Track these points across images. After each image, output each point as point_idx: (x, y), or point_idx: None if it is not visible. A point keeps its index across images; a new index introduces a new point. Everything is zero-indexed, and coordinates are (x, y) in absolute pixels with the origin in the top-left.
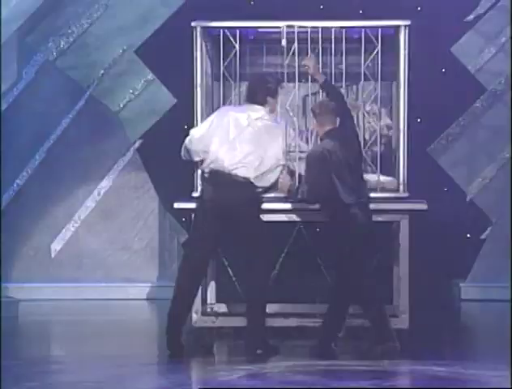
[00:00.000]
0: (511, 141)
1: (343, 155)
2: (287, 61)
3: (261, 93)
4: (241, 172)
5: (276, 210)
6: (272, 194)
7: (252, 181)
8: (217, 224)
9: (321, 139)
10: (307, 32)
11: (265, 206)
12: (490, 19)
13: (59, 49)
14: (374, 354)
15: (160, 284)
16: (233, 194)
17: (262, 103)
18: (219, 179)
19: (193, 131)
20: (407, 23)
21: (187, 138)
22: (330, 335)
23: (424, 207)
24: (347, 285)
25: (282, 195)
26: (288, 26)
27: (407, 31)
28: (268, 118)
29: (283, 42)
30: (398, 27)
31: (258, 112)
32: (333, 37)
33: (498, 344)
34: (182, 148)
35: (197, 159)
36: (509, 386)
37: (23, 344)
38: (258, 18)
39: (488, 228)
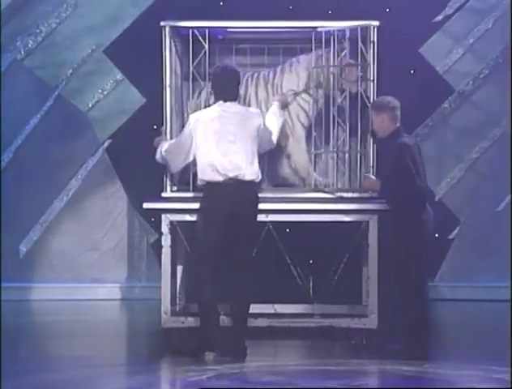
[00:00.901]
0: (511, 140)
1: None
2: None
3: (234, 88)
4: (246, 174)
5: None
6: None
7: (256, 181)
8: (225, 231)
9: (389, 138)
10: (276, 32)
11: None
12: (458, 19)
13: (27, 48)
14: (344, 354)
15: (129, 285)
16: (241, 198)
17: (235, 98)
18: (223, 187)
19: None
20: (376, 23)
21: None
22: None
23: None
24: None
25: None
26: (258, 26)
27: (375, 31)
28: (245, 110)
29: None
30: (366, 27)
31: (234, 108)
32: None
33: (467, 343)
34: (158, 155)
35: (176, 170)
36: (510, 387)
37: None
38: (228, 18)
39: (457, 228)
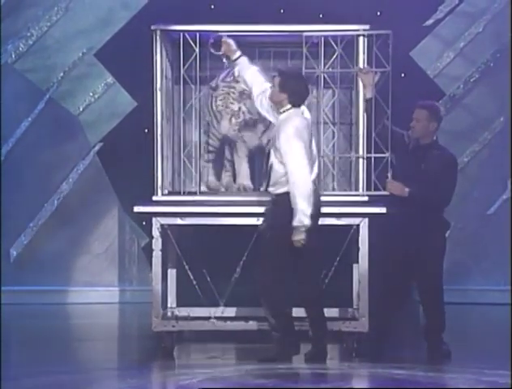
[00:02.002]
0: (511, 140)
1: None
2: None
3: (307, 94)
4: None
5: (239, 213)
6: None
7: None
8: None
9: (429, 145)
10: (267, 35)
11: (230, 210)
12: (449, 23)
13: (18, 51)
14: (335, 357)
15: (120, 288)
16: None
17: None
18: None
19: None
20: (366, 27)
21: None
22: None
23: (383, 210)
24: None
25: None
26: (249, 30)
27: (366, 36)
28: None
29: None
30: (357, 31)
31: (307, 114)
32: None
33: (459, 346)
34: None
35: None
36: (510, 387)
37: None
38: (218, 22)
39: (447, 231)
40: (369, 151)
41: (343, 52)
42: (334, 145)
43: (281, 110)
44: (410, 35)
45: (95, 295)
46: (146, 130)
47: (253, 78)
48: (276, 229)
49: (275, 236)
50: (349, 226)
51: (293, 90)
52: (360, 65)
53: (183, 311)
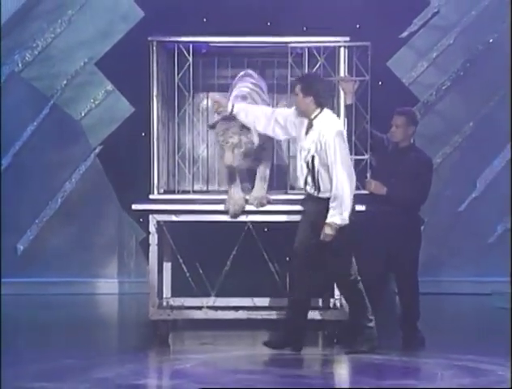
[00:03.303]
0: (511, 141)
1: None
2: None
3: (330, 92)
4: None
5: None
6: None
7: None
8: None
9: (406, 148)
10: (255, 46)
11: (221, 207)
12: (422, 36)
13: (25, 61)
14: (317, 344)
15: (119, 280)
16: None
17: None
18: None
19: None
20: (347, 39)
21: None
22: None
23: (361, 208)
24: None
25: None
26: (238, 41)
27: (346, 47)
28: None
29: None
30: (338, 43)
31: None
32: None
33: (431, 333)
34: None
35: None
36: (510, 387)
37: None
38: (211, 33)
39: (421, 227)
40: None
41: (326, 62)
42: None
43: (312, 116)
44: (387, 46)
45: (96, 286)
46: (143, 134)
47: (253, 117)
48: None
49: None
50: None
51: (317, 91)
52: (341, 74)
53: (177, 301)
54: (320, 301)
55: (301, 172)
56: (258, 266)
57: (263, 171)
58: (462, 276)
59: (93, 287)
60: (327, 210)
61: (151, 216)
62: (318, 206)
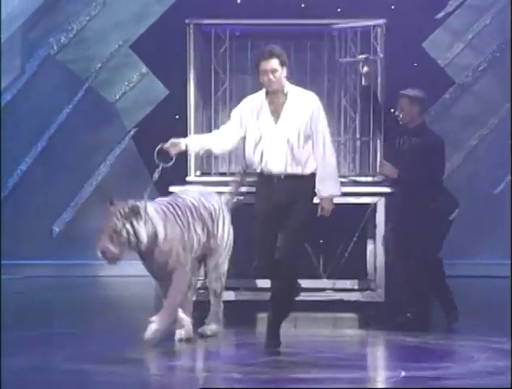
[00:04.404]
0: (511, 140)
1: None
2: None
3: None
4: None
5: None
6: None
7: None
8: None
9: (412, 130)
10: (289, 28)
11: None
12: (458, 16)
13: (60, 44)
14: (353, 326)
15: None
16: None
17: None
18: None
19: None
20: (383, 21)
21: None
22: None
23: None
24: None
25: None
26: (272, 23)
27: (382, 28)
28: None
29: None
30: (374, 25)
31: None
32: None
33: (467, 315)
34: None
35: None
36: (510, 387)
37: (27, 317)
38: (244, 16)
39: (456, 210)
40: (366, 135)
41: (360, 44)
42: (354, 129)
43: (285, 90)
44: (422, 27)
45: (130, 268)
46: (177, 116)
47: (208, 144)
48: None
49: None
50: (366, 205)
51: (287, 63)
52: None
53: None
54: (356, 282)
55: (277, 151)
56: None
57: (170, 296)
58: (498, 259)
59: (128, 269)
60: (310, 186)
61: None
62: (299, 184)
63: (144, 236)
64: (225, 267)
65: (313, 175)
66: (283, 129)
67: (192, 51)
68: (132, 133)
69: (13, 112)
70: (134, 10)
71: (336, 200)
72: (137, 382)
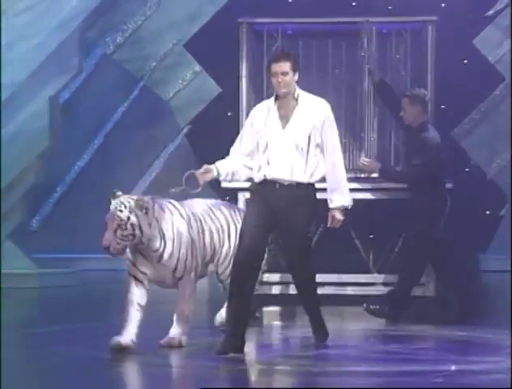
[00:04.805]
0: (511, 141)
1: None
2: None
3: None
4: None
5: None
6: None
7: None
8: None
9: (416, 128)
10: (340, 26)
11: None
12: (508, 14)
13: (116, 43)
14: (402, 320)
15: None
16: None
17: None
18: None
19: None
20: (434, 18)
21: None
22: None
23: (448, 185)
24: None
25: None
26: (324, 22)
27: (433, 26)
28: None
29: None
30: (425, 22)
31: None
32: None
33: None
34: None
35: None
36: (510, 387)
37: (83, 308)
38: (295, 15)
39: (506, 206)
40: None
41: (410, 41)
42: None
43: (295, 95)
44: (473, 24)
45: None
46: (229, 114)
47: (236, 168)
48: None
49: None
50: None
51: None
52: (429, 52)
53: (263, 277)
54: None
55: (284, 157)
56: (343, 242)
57: (180, 307)
58: None
59: None
60: (311, 195)
61: (240, 194)
62: (300, 192)
63: (148, 229)
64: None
65: (313, 184)
66: (292, 134)
67: (244, 49)
68: (185, 130)
69: (71, 110)
70: (187, 10)
71: (385, 196)
72: (192, 373)
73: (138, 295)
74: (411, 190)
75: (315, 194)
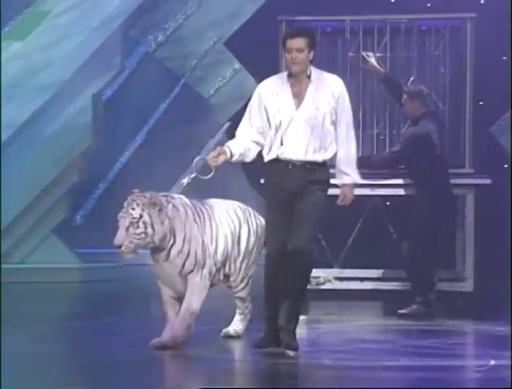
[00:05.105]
0: (511, 141)
1: (437, 138)
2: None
3: None
4: None
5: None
6: None
7: None
8: None
9: (413, 121)
10: (379, 24)
11: None
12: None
13: (157, 41)
14: (442, 315)
15: None
16: None
17: None
18: None
19: None
20: (473, 15)
21: None
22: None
23: (487, 181)
24: None
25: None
26: (363, 19)
27: (472, 23)
28: None
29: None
30: (464, 19)
31: None
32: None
33: None
34: None
35: None
36: (510, 387)
37: (126, 302)
38: (334, 13)
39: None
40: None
41: (449, 38)
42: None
43: (308, 72)
44: None
45: None
46: None
47: (248, 146)
48: None
49: None
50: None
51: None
52: (468, 49)
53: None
54: (445, 273)
55: (299, 136)
56: (381, 238)
57: (188, 300)
58: None
59: None
60: (325, 174)
61: None
62: (315, 172)
63: (161, 227)
64: (250, 271)
65: (326, 162)
66: (306, 113)
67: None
68: (225, 127)
69: (113, 107)
70: (228, 8)
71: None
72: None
73: (170, 293)
74: (415, 186)
75: (329, 173)
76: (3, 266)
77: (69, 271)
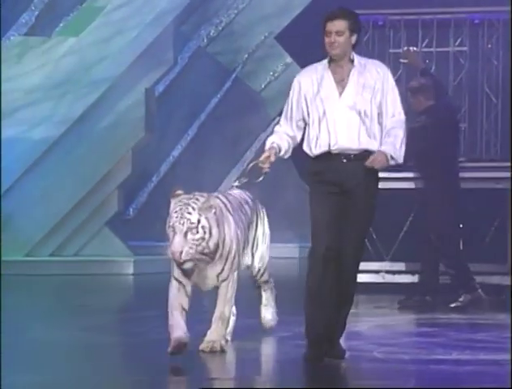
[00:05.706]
0: (511, 142)
1: (440, 131)
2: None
3: None
4: None
5: (401, 178)
6: None
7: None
8: None
9: (422, 111)
10: (430, 17)
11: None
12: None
13: (209, 36)
14: (493, 309)
15: (300, 245)
16: None
17: None
18: None
19: None
20: None
21: None
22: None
23: None
24: None
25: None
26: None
27: None
28: None
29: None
30: None
31: None
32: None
33: None
34: None
35: None
36: (510, 386)
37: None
38: (386, 6)
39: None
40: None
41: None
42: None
43: (351, 56)
44: None
45: (276, 251)
46: None
47: (290, 141)
48: None
49: None
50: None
51: (360, 29)
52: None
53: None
54: (497, 266)
55: (348, 125)
56: None
57: (220, 308)
58: None
59: (273, 251)
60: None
61: None
62: (362, 165)
63: (217, 232)
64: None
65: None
66: (352, 99)
67: None
68: (276, 121)
69: (166, 101)
70: (278, 3)
71: (477, 185)
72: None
73: (182, 299)
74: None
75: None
76: (57, 258)
77: (122, 263)
